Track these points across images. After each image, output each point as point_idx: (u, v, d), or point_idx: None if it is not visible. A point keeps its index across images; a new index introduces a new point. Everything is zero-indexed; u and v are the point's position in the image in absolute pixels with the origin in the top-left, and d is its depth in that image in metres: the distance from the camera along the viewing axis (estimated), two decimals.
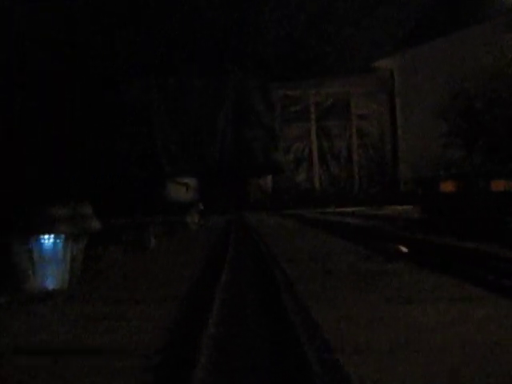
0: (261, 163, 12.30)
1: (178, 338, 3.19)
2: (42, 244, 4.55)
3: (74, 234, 4.67)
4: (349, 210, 17.58)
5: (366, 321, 3.39)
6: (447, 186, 10.55)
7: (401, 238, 7.82)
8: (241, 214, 14.39)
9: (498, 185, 9.53)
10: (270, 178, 22.52)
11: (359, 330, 3.21)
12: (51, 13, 14.36)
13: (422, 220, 10.07)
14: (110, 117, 12.88)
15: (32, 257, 4.49)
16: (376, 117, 24.24)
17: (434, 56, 22.52)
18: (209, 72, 12.71)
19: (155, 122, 12.41)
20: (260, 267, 5.69)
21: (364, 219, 12.26)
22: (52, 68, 14.10)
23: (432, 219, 10.02)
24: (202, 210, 12.17)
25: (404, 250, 6.68)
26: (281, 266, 5.63)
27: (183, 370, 2.59)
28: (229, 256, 6.55)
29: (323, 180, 23.64)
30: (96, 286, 5.00)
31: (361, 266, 5.46)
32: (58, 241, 4.59)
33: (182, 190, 12.42)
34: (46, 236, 4.55)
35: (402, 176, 24.03)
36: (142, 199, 11.87)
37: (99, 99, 12.98)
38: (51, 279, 4.57)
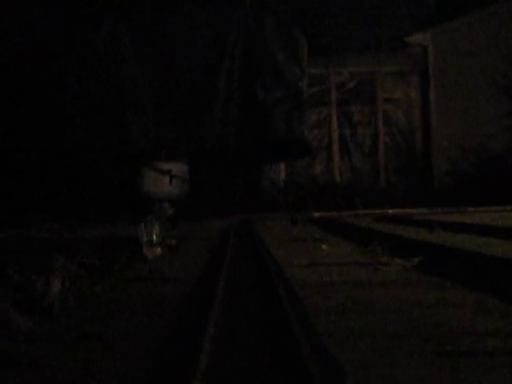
0: (282, 139, 7.36)
1: None
2: None
3: None
4: (411, 212, 12.58)
5: None
6: None
7: None
8: (248, 220, 9.18)
9: None
10: (282, 167, 18.24)
11: None
12: None
13: None
14: (65, 72, 8.10)
15: None
16: (406, 101, 19.91)
17: (480, 29, 18.06)
18: (205, 4, 7.88)
19: (125, 77, 7.54)
20: None
21: None
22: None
23: None
24: (172, 215, 7.37)
25: None
26: None
27: None
28: None
29: (344, 173, 19.40)
30: None
31: None
32: None
33: (164, 180, 7.56)
34: None
35: (436, 169, 19.82)
36: (95, 193, 7.10)
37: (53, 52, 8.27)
38: None
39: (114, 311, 2.63)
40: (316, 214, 11.84)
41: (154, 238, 4.80)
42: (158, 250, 4.79)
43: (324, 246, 4.80)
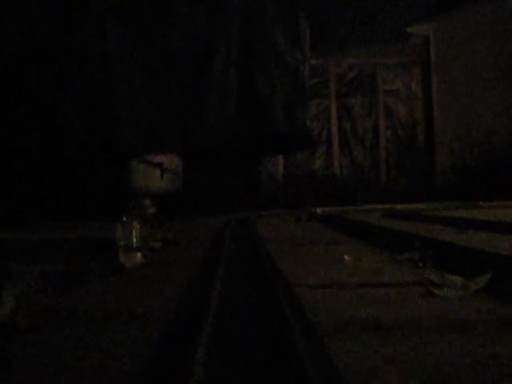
0: (282, 129, 6.72)
1: None
2: None
3: None
4: (420, 207, 11.74)
5: None
6: None
7: None
8: (246, 217, 8.21)
9: None
10: (280, 161, 17.68)
11: None
12: None
13: None
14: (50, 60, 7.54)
15: None
16: (407, 93, 19.33)
17: (484, 19, 17.42)
18: None
19: (113, 62, 6.93)
20: None
21: None
22: None
23: None
24: (154, 214, 6.65)
25: None
26: None
27: None
28: None
29: (344, 167, 18.88)
30: None
31: None
32: None
33: (155, 174, 6.95)
34: None
35: (438, 164, 19.21)
36: (75, 189, 6.46)
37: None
38: None
39: None
40: (319, 210, 11.10)
41: (134, 241, 4.06)
42: (138, 256, 4.04)
43: (347, 257, 3.85)
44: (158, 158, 7.43)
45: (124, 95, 6.89)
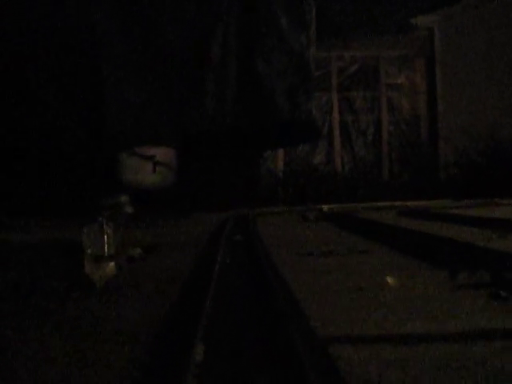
0: (285, 119, 6.13)
1: None
2: None
3: None
4: (432, 205, 10.99)
5: None
6: None
7: None
8: (246, 216, 7.42)
9: None
10: (280, 156, 17.18)
11: None
12: None
13: None
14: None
15: None
16: (411, 87, 18.83)
17: (490, 11, 16.91)
18: None
19: (104, 50, 6.35)
20: None
21: None
22: None
23: None
24: (131, 215, 6.01)
25: None
26: None
27: None
28: None
29: (346, 162, 18.40)
30: None
31: None
32: None
33: (147, 168, 6.40)
34: None
35: (442, 159, 18.72)
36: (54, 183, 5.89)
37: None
38: None
39: None
40: (325, 208, 10.28)
41: (106, 248, 3.35)
42: (111, 266, 3.33)
43: (390, 280, 2.97)
44: (151, 151, 6.84)
45: (117, 86, 6.31)
